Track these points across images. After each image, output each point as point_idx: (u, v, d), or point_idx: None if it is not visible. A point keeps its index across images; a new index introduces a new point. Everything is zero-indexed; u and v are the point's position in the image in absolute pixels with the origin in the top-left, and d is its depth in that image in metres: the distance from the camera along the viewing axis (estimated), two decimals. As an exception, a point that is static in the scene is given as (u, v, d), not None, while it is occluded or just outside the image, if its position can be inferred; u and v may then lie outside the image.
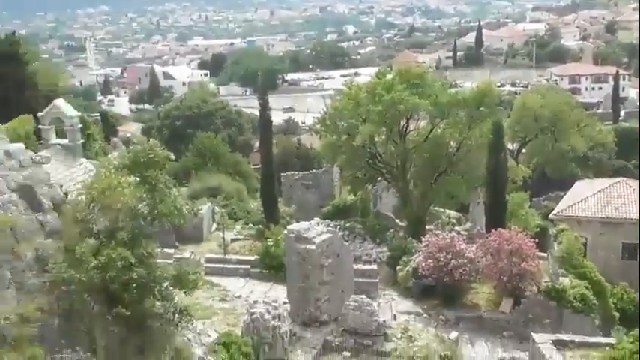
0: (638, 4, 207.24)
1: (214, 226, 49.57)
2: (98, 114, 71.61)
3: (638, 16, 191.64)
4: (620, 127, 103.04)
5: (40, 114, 42.18)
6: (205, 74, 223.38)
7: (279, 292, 36.31)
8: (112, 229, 19.02)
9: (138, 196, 19.73)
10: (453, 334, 32.81)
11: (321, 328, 31.69)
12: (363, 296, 31.92)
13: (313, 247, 31.86)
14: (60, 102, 42.61)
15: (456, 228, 47.65)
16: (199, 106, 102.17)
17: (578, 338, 28.92)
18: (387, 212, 52.55)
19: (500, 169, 44.38)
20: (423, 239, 38.91)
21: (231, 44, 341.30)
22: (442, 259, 36.26)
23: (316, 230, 32.96)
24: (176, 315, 20.08)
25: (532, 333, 29.87)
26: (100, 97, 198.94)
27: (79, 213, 19.25)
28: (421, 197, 47.59)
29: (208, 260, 42.52)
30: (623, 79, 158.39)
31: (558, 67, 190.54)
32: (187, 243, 45.02)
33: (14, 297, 17.15)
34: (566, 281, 36.92)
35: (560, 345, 27.93)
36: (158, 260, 20.43)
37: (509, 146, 69.64)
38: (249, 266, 41.73)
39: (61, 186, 21.40)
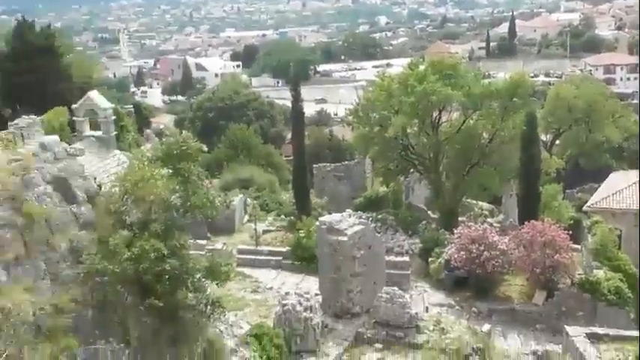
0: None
1: (246, 217, 49.75)
2: (131, 106, 72.08)
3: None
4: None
5: (74, 106, 42.60)
6: (238, 66, 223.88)
7: (310, 284, 36.33)
8: (145, 221, 19.13)
9: (170, 187, 19.82)
10: (486, 327, 32.61)
11: (352, 320, 31.66)
12: (395, 288, 31.83)
13: (345, 238, 31.82)
14: (94, 94, 43.01)
15: (489, 220, 47.34)
16: (232, 98, 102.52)
17: (612, 332, 28.54)
18: (419, 204, 52.37)
19: (534, 160, 43.94)
20: (456, 231, 38.68)
21: (264, 36, 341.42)
22: (474, 251, 36.03)
23: (348, 222, 32.91)
24: (208, 307, 20.17)
25: (565, 326, 29.56)
26: (133, 89, 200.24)
27: (112, 205, 19.39)
28: (453, 189, 47.33)
29: (240, 252, 42.67)
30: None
31: (593, 57, 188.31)
32: (219, 234, 45.22)
33: (49, 288, 17.33)
34: (600, 274, 36.51)
35: (594, 338, 27.60)
36: (190, 252, 20.52)
37: (543, 137, 68.84)
38: (280, 258, 41.80)
39: (95, 178, 21.57)
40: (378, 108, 47.62)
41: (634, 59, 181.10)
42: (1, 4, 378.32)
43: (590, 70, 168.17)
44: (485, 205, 54.30)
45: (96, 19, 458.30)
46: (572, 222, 46.50)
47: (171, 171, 20.53)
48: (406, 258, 40.75)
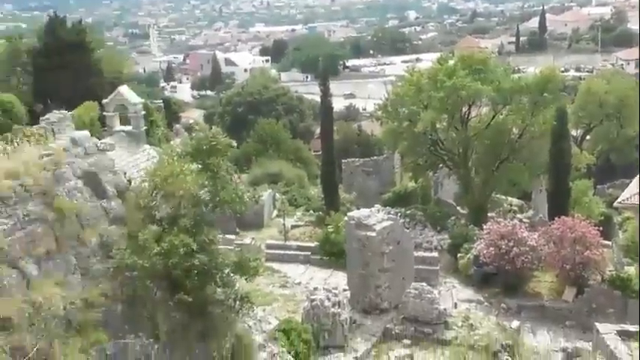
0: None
1: (275, 212, 49.87)
2: (161, 101, 72.45)
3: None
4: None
5: (104, 101, 43.02)
6: (267, 60, 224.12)
7: (339, 279, 36.38)
8: (174, 216, 19.21)
9: (200, 183, 19.89)
10: (515, 323, 32.36)
11: (381, 316, 31.64)
12: (424, 284, 31.74)
13: (374, 234, 31.78)
14: (124, 89, 43.39)
15: (518, 215, 47.11)
16: (261, 93, 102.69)
17: (644, 329, 28.27)
18: (448, 199, 52.14)
19: (564, 155, 43.62)
20: (485, 227, 38.53)
21: (293, 30, 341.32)
22: (504, 246, 35.85)
23: (377, 217, 32.86)
24: (237, 302, 20.20)
25: (596, 323, 29.31)
26: (162, 84, 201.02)
27: (142, 200, 19.49)
28: (483, 184, 47.10)
29: (269, 247, 42.83)
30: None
31: (624, 51, 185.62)
32: (248, 229, 45.41)
33: (79, 282, 17.46)
34: (631, 270, 36.18)
35: (625, 336, 27.29)
36: (219, 247, 20.58)
37: (573, 132, 68.29)
38: (309, 253, 41.89)
39: (125, 173, 21.70)
40: (407, 103, 47.53)
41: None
42: (34, 0, 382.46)
43: (622, 65, 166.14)
44: (514, 200, 53.97)
45: (126, 14, 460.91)
46: (602, 218, 46.09)
47: (200, 166, 20.59)
48: (435, 254, 40.67)
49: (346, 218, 34.48)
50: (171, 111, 73.96)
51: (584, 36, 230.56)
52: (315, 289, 31.48)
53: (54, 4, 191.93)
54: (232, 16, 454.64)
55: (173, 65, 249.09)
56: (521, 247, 35.63)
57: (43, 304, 15.89)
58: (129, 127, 41.78)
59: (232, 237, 40.39)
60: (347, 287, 32.84)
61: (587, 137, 76.59)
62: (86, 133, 20.82)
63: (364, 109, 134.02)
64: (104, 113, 43.09)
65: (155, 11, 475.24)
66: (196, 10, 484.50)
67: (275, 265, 39.86)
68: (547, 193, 45.99)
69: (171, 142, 41.55)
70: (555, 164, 43.39)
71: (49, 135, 24.40)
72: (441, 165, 49.97)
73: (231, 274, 20.29)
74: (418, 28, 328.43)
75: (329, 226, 41.96)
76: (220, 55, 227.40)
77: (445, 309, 31.46)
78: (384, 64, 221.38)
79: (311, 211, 49.68)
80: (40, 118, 37.52)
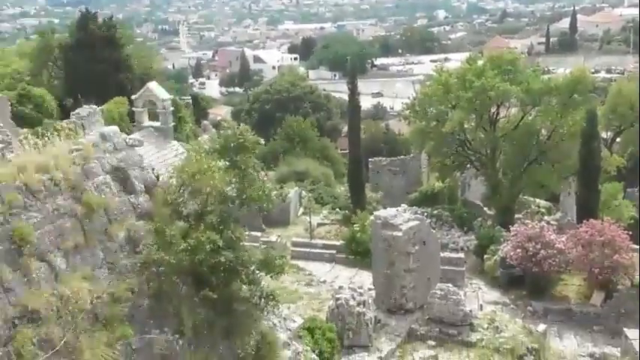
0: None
1: (301, 210, 49.91)
2: (189, 97, 72.98)
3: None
4: None
5: (133, 96, 43.27)
6: (295, 58, 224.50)
7: (364, 279, 36.32)
8: (201, 213, 19.22)
9: (227, 180, 19.90)
10: (541, 327, 32.11)
11: (406, 316, 31.48)
12: (450, 285, 31.55)
13: (400, 234, 31.63)
14: (153, 85, 43.61)
15: (546, 218, 46.71)
16: (289, 90, 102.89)
17: (673, 335, 27.98)
18: (475, 200, 51.92)
19: (593, 158, 43.25)
20: (512, 228, 38.32)
21: (322, 28, 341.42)
22: (531, 249, 35.63)
23: (403, 217, 32.70)
24: (262, 299, 20.19)
25: (624, 328, 29.07)
26: (191, 80, 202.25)
27: (169, 196, 19.53)
28: (510, 185, 46.83)
29: (294, 244, 42.88)
30: None
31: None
32: (274, 226, 45.50)
33: (106, 277, 17.52)
34: (661, 275, 35.78)
35: (653, 342, 27.10)
36: (245, 244, 20.58)
37: (603, 135, 67.51)
38: (334, 251, 41.87)
39: (153, 168, 21.76)
40: (435, 103, 47.42)
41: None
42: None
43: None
44: (542, 202, 53.59)
45: (156, 10, 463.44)
46: (632, 222, 45.65)
47: (228, 163, 20.61)
48: (461, 254, 40.53)
49: (372, 217, 34.33)
50: (200, 107, 74.40)
51: (615, 37, 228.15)
52: (340, 287, 31.42)
53: (86, 0, 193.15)
54: (261, 13, 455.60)
55: (202, 62, 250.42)
56: (548, 249, 35.37)
57: (71, 297, 15.98)
58: (157, 123, 41.98)
59: (258, 234, 40.50)
60: (372, 286, 32.74)
61: (618, 140, 75.73)
62: (115, 128, 20.89)
63: (392, 108, 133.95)
64: (133, 109, 43.37)
65: (185, 8, 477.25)
66: (226, 7, 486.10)
67: (300, 263, 39.89)
68: (576, 196, 45.63)
69: (199, 139, 41.73)
70: (585, 166, 43.04)
71: (78, 129, 24.56)
72: (468, 165, 49.80)
73: (257, 272, 20.28)
74: (447, 28, 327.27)
75: (355, 225, 41.91)
76: (249, 52, 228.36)
77: (471, 310, 31.22)
78: (412, 63, 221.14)
79: (337, 210, 49.69)
80: (71, 113, 37.92)
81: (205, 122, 73.76)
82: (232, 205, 20.14)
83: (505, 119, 47.27)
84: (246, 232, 21.92)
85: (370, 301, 30.23)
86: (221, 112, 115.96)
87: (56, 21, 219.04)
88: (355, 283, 35.07)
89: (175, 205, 19.35)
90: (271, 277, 21.44)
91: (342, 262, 41.05)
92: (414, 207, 46.46)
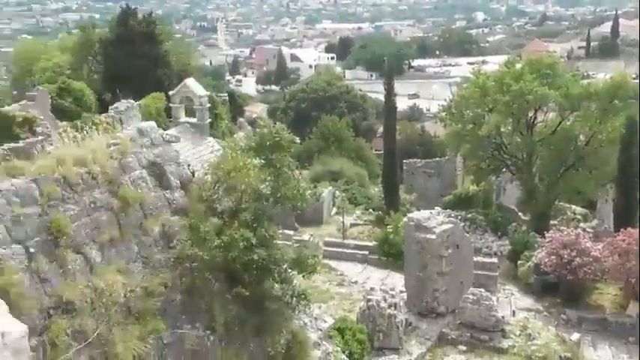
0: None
1: (334, 209, 49.89)
2: (226, 94, 73.20)
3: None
4: None
5: (171, 92, 43.59)
6: (332, 58, 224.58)
7: (396, 280, 36.20)
8: (235, 210, 19.28)
9: (262, 178, 19.94)
10: (575, 336, 31.73)
11: (437, 320, 31.31)
12: (482, 290, 31.31)
13: (433, 236, 31.47)
14: (190, 81, 43.90)
15: (582, 225, 46.13)
16: (325, 90, 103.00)
17: None
18: (510, 205, 51.51)
19: (632, 165, 42.61)
20: (547, 234, 37.91)
21: (359, 28, 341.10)
22: (566, 256, 35.19)
23: (437, 220, 32.52)
24: (294, 298, 20.21)
25: (660, 340, 28.64)
26: (228, 78, 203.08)
27: (204, 192, 19.60)
28: (546, 191, 46.36)
29: (327, 244, 42.86)
30: None
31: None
32: (307, 225, 45.52)
33: (140, 271, 17.62)
34: (699, 287, 35.16)
35: (689, 354, 26.64)
36: (278, 242, 20.61)
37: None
38: (367, 252, 41.79)
39: (189, 165, 21.86)
40: (472, 105, 47.17)
41: None
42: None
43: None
44: (578, 209, 52.96)
45: (196, 7, 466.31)
46: (671, 231, 44.90)
47: (263, 161, 20.66)
48: (494, 259, 40.21)
49: (406, 219, 34.17)
50: (236, 104, 74.62)
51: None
52: (372, 289, 31.31)
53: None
54: (299, 12, 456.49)
55: (239, 59, 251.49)
56: (584, 257, 34.91)
57: (105, 290, 16.09)
58: (194, 119, 42.24)
59: (291, 232, 40.54)
60: (404, 289, 32.60)
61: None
62: (152, 123, 21.01)
63: (428, 110, 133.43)
64: (170, 104, 43.68)
65: (223, 5, 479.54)
66: (264, 5, 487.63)
67: (332, 263, 39.85)
68: (613, 203, 45.02)
69: (235, 136, 41.91)
70: (623, 173, 42.48)
71: (116, 124, 24.73)
72: (504, 169, 49.43)
73: (289, 270, 20.31)
74: (486, 30, 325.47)
75: (388, 227, 41.77)
76: (286, 51, 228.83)
77: (503, 316, 30.96)
78: (450, 65, 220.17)
79: (370, 210, 49.58)
80: (109, 107, 38.29)
81: (241, 119, 74.02)
82: (266, 203, 20.19)
83: (542, 124, 46.86)
84: (280, 231, 21.95)
85: (401, 303, 30.13)
86: (257, 110, 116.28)
87: (97, 16, 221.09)
88: (387, 284, 34.96)
89: (210, 202, 19.42)
90: (303, 276, 21.47)
91: (374, 263, 40.94)
92: (448, 210, 46.28)
